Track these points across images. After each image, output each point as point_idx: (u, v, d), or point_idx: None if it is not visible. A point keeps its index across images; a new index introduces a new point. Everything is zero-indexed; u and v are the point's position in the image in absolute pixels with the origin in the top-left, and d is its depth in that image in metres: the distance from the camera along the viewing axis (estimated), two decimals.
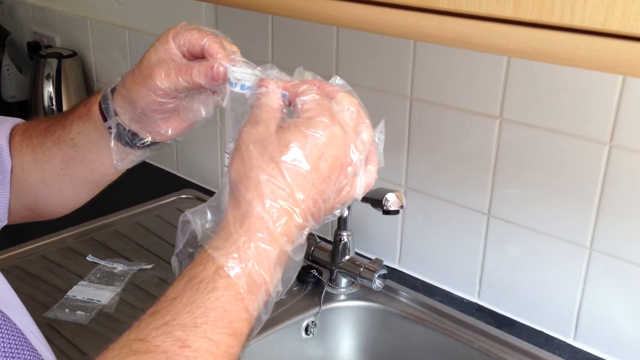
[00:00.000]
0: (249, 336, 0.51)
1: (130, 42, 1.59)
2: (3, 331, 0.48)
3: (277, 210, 0.50)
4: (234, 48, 0.64)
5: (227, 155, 0.58)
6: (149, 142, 0.70)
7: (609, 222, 0.94)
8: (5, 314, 0.50)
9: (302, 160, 0.51)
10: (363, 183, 0.56)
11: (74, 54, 1.72)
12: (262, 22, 1.27)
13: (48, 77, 1.69)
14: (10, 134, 0.76)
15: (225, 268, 0.49)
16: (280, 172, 0.50)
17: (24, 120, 0.79)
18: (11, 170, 0.75)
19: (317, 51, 1.21)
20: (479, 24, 0.59)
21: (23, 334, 0.50)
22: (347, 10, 0.69)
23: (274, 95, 0.55)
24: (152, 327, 0.48)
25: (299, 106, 0.53)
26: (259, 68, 0.60)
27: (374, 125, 0.58)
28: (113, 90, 0.69)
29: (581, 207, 0.96)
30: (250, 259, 0.50)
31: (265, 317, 0.52)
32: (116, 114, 0.68)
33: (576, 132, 0.93)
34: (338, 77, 0.58)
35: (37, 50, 1.77)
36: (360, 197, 0.56)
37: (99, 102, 0.70)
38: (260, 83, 0.56)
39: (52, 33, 1.85)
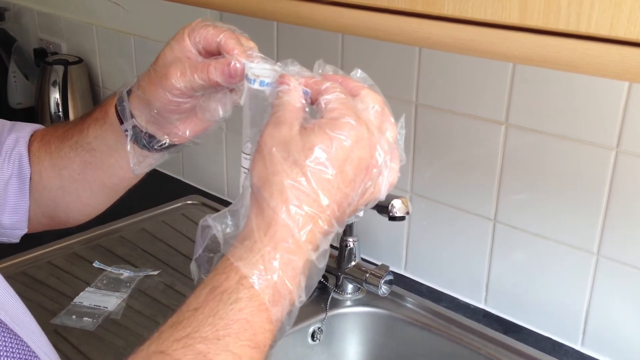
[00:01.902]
0: (271, 347, 0.50)
1: (136, 49, 1.60)
2: (17, 355, 0.48)
3: (302, 217, 0.48)
4: (251, 44, 0.62)
5: (244, 156, 0.56)
6: (166, 144, 0.68)
7: (616, 227, 0.93)
8: (20, 337, 0.49)
9: (328, 163, 0.49)
10: (387, 182, 0.54)
11: (80, 61, 1.73)
12: (268, 28, 1.27)
13: (54, 83, 1.69)
14: (30, 140, 0.76)
15: (250, 280, 0.48)
16: (305, 177, 0.48)
17: (43, 126, 0.79)
18: (30, 177, 0.74)
19: (322, 57, 1.21)
20: (484, 31, 0.59)
21: (37, 357, 0.50)
22: (352, 17, 0.69)
23: (296, 93, 0.52)
24: (172, 339, 0.47)
25: (323, 105, 0.51)
26: (278, 63, 0.57)
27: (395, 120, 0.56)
28: (129, 92, 0.67)
29: (588, 213, 0.95)
30: (276, 270, 0.48)
31: (288, 328, 0.51)
32: (132, 116, 0.67)
33: (583, 137, 0.93)
34: (360, 70, 0.56)
35: (43, 57, 1.78)
36: (384, 197, 0.54)
37: (115, 105, 0.68)
38: (280, 80, 0.54)
39: (58, 40, 1.86)
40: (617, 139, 0.90)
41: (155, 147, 0.69)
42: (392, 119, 0.54)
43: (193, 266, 0.55)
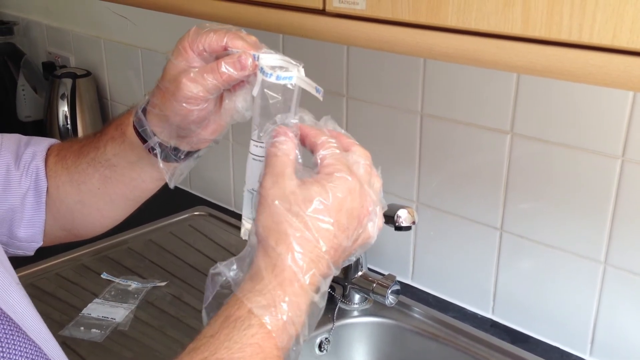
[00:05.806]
0: None
1: (143, 61, 1.61)
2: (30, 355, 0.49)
3: (306, 263, 0.54)
4: (253, 38, 0.65)
5: (252, 143, 0.60)
6: (192, 151, 0.72)
7: (623, 236, 0.93)
8: (40, 348, 0.50)
9: (325, 213, 0.55)
10: (376, 228, 0.59)
11: (88, 74, 1.74)
12: (273, 40, 1.28)
13: (63, 96, 1.71)
14: (46, 154, 0.77)
15: (263, 320, 0.52)
16: (306, 226, 0.54)
17: (58, 141, 0.80)
18: (47, 191, 0.76)
19: (327, 69, 1.22)
20: (487, 41, 0.60)
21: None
22: (357, 29, 0.70)
23: (291, 144, 0.57)
24: None
25: (319, 160, 0.57)
26: (293, 62, 0.61)
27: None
28: (144, 111, 0.69)
29: (594, 222, 0.95)
30: (285, 312, 0.53)
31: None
32: (154, 134, 0.69)
33: (588, 146, 0.93)
34: (330, 120, 0.61)
35: (51, 70, 1.79)
36: (373, 241, 0.60)
37: (134, 126, 0.70)
38: (277, 131, 0.58)
39: (66, 53, 1.88)
40: (622, 147, 0.90)
41: (182, 157, 0.71)
42: (378, 173, 0.60)
43: (204, 314, 0.59)
